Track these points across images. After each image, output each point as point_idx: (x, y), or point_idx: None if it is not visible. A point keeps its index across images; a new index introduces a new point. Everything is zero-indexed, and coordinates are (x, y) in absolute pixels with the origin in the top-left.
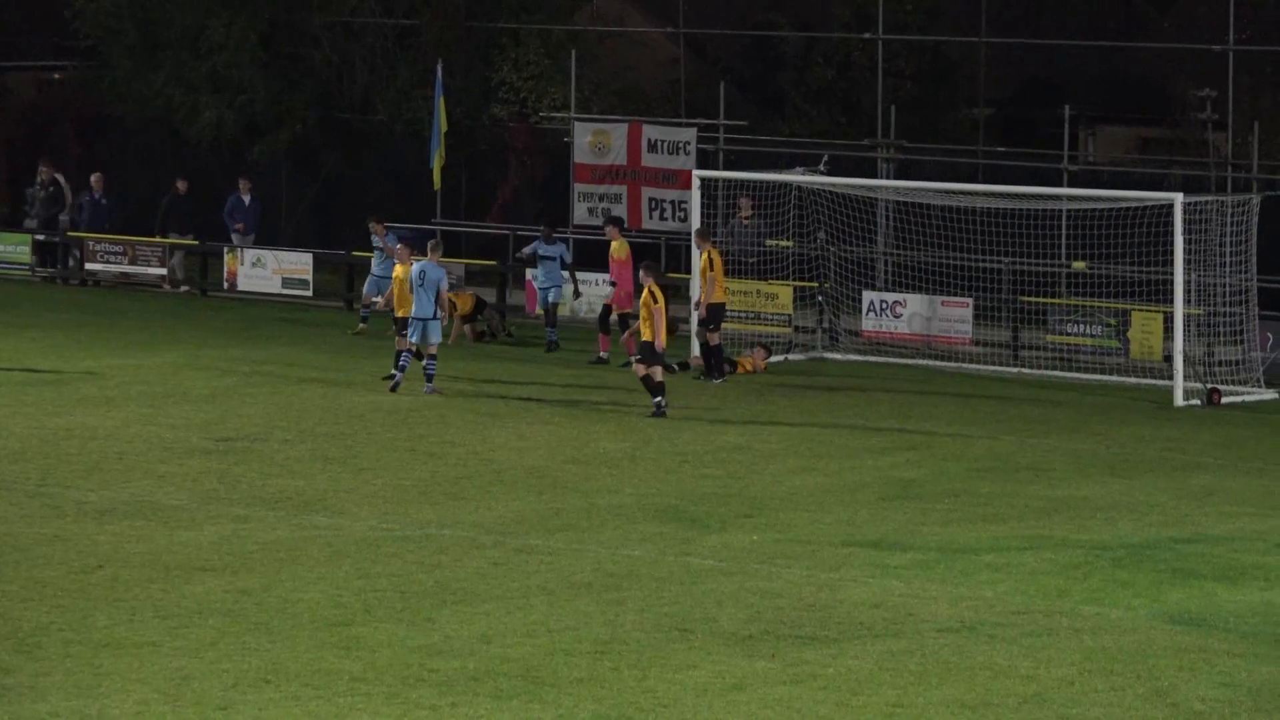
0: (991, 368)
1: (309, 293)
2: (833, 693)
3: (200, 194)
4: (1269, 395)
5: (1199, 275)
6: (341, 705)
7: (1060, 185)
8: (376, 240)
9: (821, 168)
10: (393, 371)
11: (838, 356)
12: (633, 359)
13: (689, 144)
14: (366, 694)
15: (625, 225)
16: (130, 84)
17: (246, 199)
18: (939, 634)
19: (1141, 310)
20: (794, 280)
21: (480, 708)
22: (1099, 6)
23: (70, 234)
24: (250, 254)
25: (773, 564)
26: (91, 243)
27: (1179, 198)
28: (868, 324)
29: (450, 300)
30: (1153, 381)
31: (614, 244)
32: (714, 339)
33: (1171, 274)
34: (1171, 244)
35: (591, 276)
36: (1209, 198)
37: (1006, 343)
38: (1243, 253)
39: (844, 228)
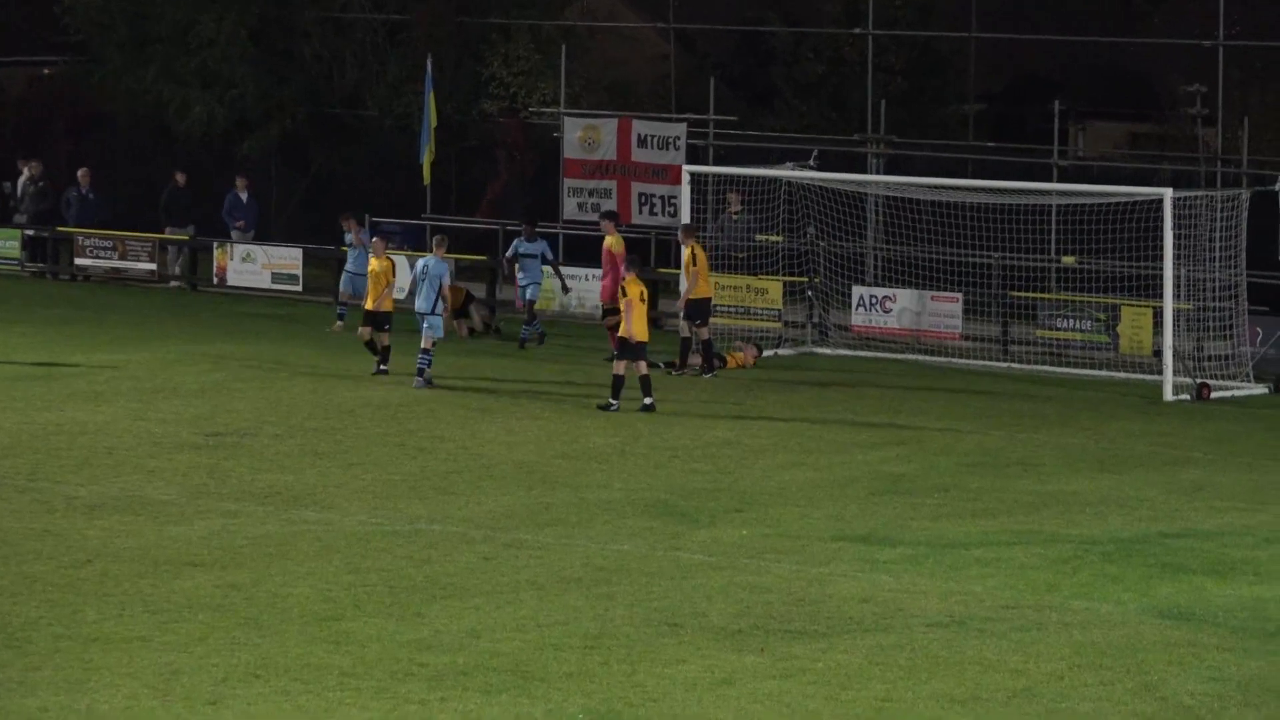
0: (981, 363)
1: (299, 288)
2: (822, 687)
3: (192, 189)
4: (1258, 390)
5: (1189, 270)
6: (331, 700)
7: (1050, 180)
8: (349, 237)
9: (811, 163)
10: (383, 366)
11: (827, 351)
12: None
13: (679, 139)
14: (356, 689)
15: (619, 221)
16: (120, 79)
17: (244, 196)
18: (928, 628)
19: (1131, 305)
20: (784, 275)
21: (470, 702)
22: (1089, 2)
23: (60, 229)
24: (240, 249)
25: (762, 559)
26: (81, 238)
27: (1169, 193)
28: (857, 319)
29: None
30: (1142, 376)
31: (609, 239)
32: (703, 334)
33: (1161, 269)
34: (1161, 239)
35: (582, 272)
36: (1199, 193)
37: (996, 338)
38: (1232, 248)
39: (834, 223)
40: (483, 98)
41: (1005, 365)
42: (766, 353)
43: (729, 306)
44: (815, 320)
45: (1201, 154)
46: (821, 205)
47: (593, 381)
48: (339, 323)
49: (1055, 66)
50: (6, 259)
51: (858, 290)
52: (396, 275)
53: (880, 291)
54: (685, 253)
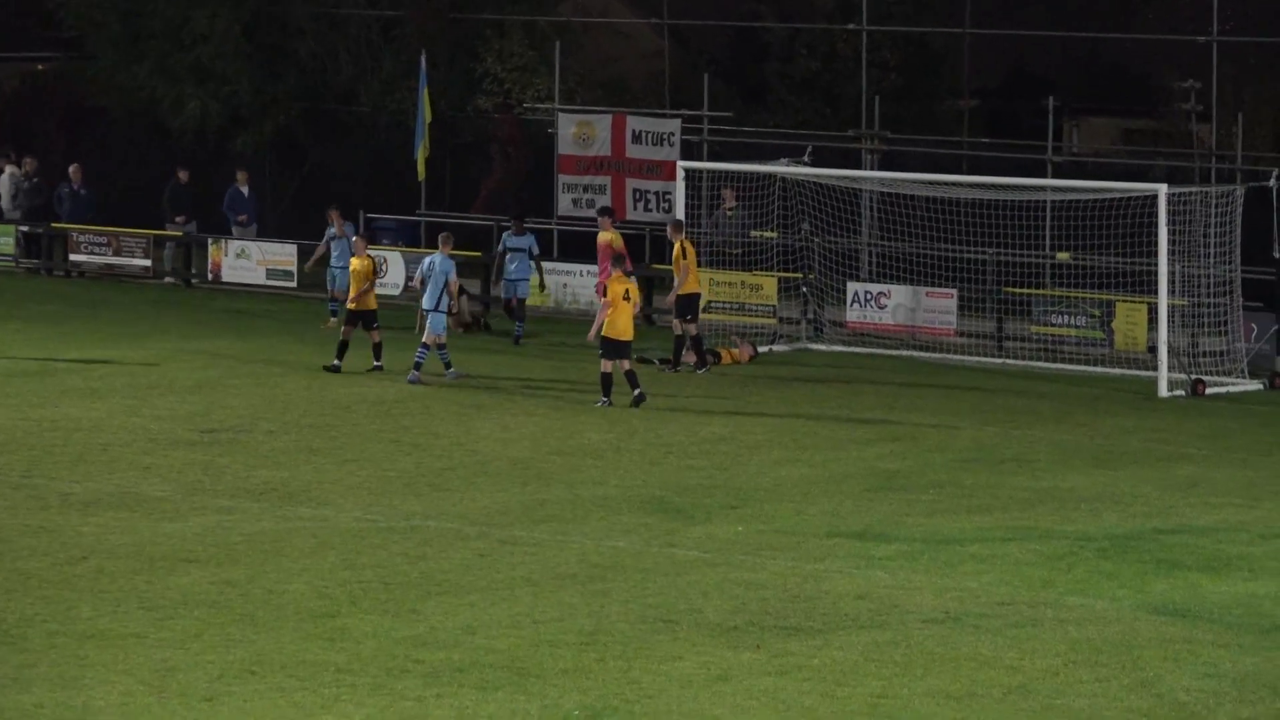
0: (976, 359)
1: (293, 284)
2: (818, 683)
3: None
4: (1253, 386)
5: (1183, 266)
6: (326, 696)
7: (1045, 176)
8: (332, 230)
9: (805, 159)
10: (377, 363)
11: (822, 348)
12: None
13: (673, 135)
14: (351, 685)
15: (615, 217)
16: (114, 75)
17: (245, 190)
18: (924, 625)
19: (1126, 301)
20: (778, 271)
21: (465, 699)
22: None
23: (54, 225)
24: (235, 245)
25: (758, 555)
26: (75, 234)
27: (1163, 189)
28: (852, 315)
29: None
30: (1137, 372)
31: (607, 235)
32: (693, 329)
33: (1156, 265)
34: (1156, 235)
35: (575, 268)
36: (1193, 189)
37: (991, 334)
38: (1227, 244)
39: (828, 219)
40: (477, 94)
41: (1000, 361)
42: (761, 349)
43: (724, 303)
44: (810, 316)
45: (1196, 150)
46: (816, 201)
47: (587, 378)
48: (332, 319)
49: (1050, 62)
50: (0, 255)
51: (852, 286)
52: (378, 273)
53: (875, 287)
54: (675, 248)
